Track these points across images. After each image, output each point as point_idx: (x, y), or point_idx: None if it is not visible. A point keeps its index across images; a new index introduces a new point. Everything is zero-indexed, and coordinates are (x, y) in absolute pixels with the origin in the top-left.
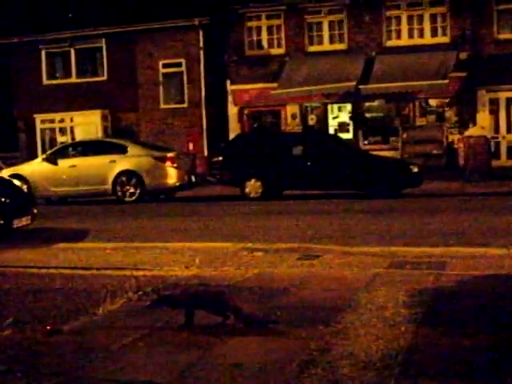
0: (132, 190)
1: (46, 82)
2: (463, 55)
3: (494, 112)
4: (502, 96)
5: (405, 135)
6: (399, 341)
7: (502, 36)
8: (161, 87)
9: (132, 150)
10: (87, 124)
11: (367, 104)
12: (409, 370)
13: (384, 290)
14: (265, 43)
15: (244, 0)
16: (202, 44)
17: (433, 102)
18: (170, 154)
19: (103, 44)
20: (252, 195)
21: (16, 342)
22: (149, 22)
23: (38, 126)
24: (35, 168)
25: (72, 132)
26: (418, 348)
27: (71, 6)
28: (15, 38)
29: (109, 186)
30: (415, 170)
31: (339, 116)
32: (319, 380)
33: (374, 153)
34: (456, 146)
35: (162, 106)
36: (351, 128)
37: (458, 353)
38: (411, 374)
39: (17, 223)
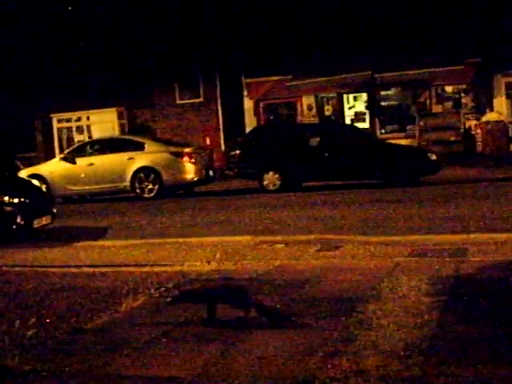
0: (150, 187)
1: (62, 81)
2: (478, 40)
3: (511, 97)
4: None
5: (422, 123)
6: (422, 329)
7: None
8: (176, 83)
9: (149, 146)
10: (104, 122)
11: (383, 93)
12: (433, 358)
13: (405, 279)
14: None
15: None
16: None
17: (449, 89)
18: (187, 150)
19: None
20: (270, 188)
21: (40, 341)
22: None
23: (55, 125)
24: (53, 167)
25: (89, 130)
26: (441, 336)
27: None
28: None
29: (127, 183)
30: (433, 157)
31: (355, 106)
32: (344, 370)
33: (391, 141)
34: (473, 132)
35: (178, 101)
36: (367, 117)
37: (481, 340)
38: (435, 362)
39: (37, 223)
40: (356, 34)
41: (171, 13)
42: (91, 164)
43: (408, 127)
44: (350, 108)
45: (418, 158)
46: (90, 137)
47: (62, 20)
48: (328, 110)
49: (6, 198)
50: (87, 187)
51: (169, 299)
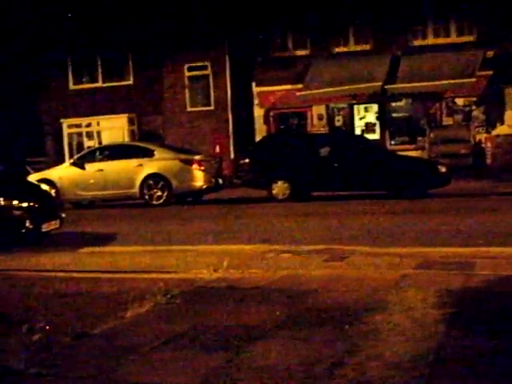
0: (159, 194)
1: (72, 86)
2: (490, 53)
3: None
4: None
5: (432, 135)
6: (429, 342)
7: None
8: (187, 90)
9: (159, 153)
10: (114, 128)
11: (394, 104)
12: (438, 370)
13: (412, 291)
14: (290, 44)
15: None
16: (226, 46)
17: (460, 101)
18: (196, 157)
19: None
20: (279, 197)
21: (45, 345)
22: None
23: (65, 130)
24: (63, 172)
25: (99, 136)
26: (447, 349)
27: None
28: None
29: (136, 190)
30: (443, 169)
31: (365, 116)
32: (349, 381)
33: (401, 153)
34: (483, 146)
35: (189, 108)
36: (378, 128)
37: (487, 354)
38: (441, 374)
39: (45, 227)
40: (367, 44)
41: (182, 17)
42: (100, 170)
43: (418, 139)
44: (360, 119)
45: (427, 170)
46: (99, 142)
47: (73, 23)
48: (338, 121)
49: (15, 202)
50: (96, 193)
51: None
